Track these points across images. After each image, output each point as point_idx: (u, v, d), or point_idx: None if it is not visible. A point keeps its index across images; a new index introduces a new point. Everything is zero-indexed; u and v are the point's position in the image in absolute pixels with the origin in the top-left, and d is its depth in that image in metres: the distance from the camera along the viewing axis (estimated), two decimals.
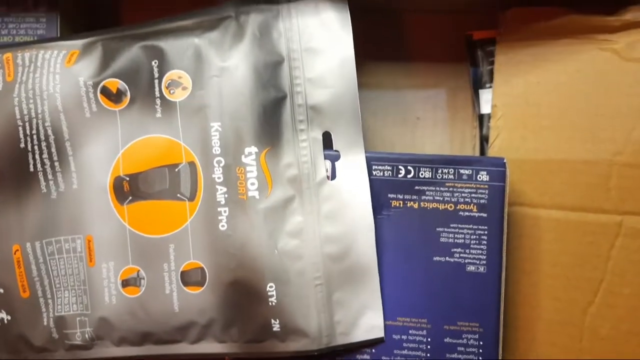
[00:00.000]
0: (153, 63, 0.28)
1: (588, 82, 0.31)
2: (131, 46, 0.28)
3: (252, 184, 0.28)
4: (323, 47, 0.29)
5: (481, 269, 0.29)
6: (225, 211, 0.28)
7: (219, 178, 0.28)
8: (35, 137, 0.28)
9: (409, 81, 0.37)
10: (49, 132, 0.28)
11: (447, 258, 0.29)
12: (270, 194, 0.28)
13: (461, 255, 0.29)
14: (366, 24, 0.36)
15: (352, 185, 0.29)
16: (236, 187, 0.28)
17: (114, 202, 0.28)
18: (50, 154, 0.28)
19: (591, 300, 0.31)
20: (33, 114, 0.28)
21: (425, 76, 0.37)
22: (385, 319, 0.29)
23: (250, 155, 0.28)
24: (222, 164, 0.28)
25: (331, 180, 0.29)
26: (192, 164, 0.28)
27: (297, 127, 0.28)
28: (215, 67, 0.28)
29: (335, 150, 0.29)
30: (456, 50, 0.36)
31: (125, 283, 0.28)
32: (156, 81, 0.28)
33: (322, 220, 0.28)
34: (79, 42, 0.29)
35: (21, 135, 0.28)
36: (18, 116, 0.28)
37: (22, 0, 0.31)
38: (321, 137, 0.29)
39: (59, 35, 0.33)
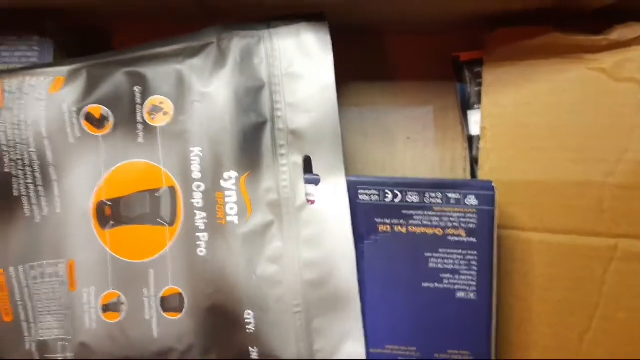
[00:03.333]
0: (135, 89, 0.28)
1: (577, 102, 0.31)
2: (114, 72, 0.29)
3: (231, 208, 0.28)
4: (304, 72, 0.29)
5: (471, 295, 0.28)
6: (204, 236, 0.28)
7: (198, 203, 0.28)
8: (19, 162, 0.28)
9: (398, 101, 0.37)
10: (34, 157, 0.28)
11: (436, 284, 0.29)
12: (249, 218, 0.28)
13: (450, 281, 0.28)
14: (355, 46, 0.37)
15: (332, 209, 0.28)
16: (215, 212, 0.28)
17: (96, 226, 0.28)
18: (34, 178, 0.28)
19: (587, 325, 0.30)
20: (18, 140, 0.28)
21: (414, 96, 0.37)
22: (373, 347, 0.29)
23: (230, 179, 0.28)
24: (201, 189, 0.28)
25: (311, 205, 0.29)
26: (172, 189, 0.28)
27: (277, 152, 0.28)
28: (196, 93, 0.28)
29: (316, 175, 0.29)
30: (443, 69, 0.36)
31: (106, 308, 0.28)
32: (138, 107, 0.28)
33: (302, 246, 0.28)
34: (65, 69, 0.29)
35: (6, 161, 0.28)
36: (3, 142, 0.28)
37: (15, 29, 0.32)
38: (301, 162, 0.29)
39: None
